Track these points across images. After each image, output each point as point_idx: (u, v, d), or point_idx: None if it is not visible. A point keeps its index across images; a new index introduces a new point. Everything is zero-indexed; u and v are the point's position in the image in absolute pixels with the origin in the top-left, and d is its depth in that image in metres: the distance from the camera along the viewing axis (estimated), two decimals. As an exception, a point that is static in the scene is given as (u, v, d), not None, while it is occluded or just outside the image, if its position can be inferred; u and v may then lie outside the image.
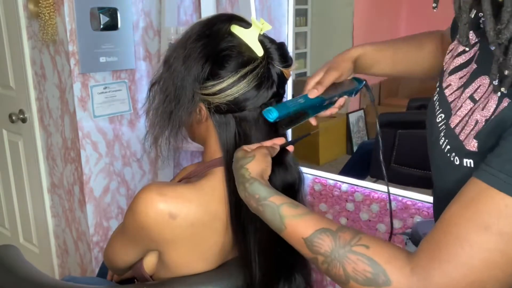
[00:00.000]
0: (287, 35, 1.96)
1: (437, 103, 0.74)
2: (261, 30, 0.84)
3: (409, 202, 1.71)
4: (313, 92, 0.86)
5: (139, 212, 0.80)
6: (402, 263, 0.59)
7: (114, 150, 1.94)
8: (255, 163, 0.75)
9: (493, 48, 0.57)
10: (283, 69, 0.86)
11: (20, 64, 1.98)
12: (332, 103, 0.93)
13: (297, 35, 2.17)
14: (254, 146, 0.82)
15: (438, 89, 0.76)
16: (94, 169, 1.88)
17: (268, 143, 0.83)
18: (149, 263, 0.92)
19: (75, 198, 1.94)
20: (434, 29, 1.00)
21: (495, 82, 0.58)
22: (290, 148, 0.87)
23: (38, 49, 1.89)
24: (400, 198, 1.73)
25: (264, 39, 0.85)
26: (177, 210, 0.80)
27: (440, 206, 0.71)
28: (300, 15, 2.24)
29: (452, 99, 0.70)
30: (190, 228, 0.82)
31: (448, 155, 0.64)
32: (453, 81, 0.71)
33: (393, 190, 1.77)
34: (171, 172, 2.05)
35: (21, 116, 2.04)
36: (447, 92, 0.72)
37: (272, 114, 0.82)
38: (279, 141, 0.85)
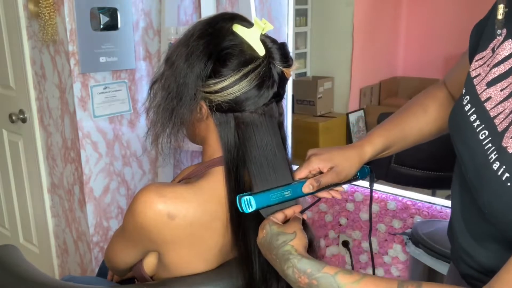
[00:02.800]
0: (287, 35, 1.96)
1: (475, 116, 0.70)
2: (263, 30, 0.84)
3: (409, 202, 1.71)
4: (307, 188, 0.85)
5: (138, 213, 0.80)
6: None
7: (114, 150, 1.94)
8: (298, 240, 0.76)
9: None
10: (284, 69, 0.86)
11: (20, 64, 1.98)
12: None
13: (297, 35, 2.18)
14: (279, 216, 0.82)
15: (468, 97, 0.72)
16: (94, 169, 1.88)
17: (289, 212, 0.84)
18: (149, 263, 0.92)
19: (75, 198, 1.94)
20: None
21: None
22: (304, 215, 0.87)
23: (38, 49, 1.89)
24: (400, 198, 1.73)
25: (265, 39, 0.85)
26: (176, 210, 0.80)
27: (485, 224, 0.70)
28: (300, 15, 2.24)
29: (495, 114, 0.67)
30: (189, 228, 0.82)
31: (509, 184, 0.61)
32: (493, 94, 0.68)
33: (393, 190, 1.77)
34: (171, 172, 2.05)
35: (21, 116, 2.04)
36: (487, 105, 0.68)
37: (250, 206, 0.80)
38: (298, 208, 0.86)
